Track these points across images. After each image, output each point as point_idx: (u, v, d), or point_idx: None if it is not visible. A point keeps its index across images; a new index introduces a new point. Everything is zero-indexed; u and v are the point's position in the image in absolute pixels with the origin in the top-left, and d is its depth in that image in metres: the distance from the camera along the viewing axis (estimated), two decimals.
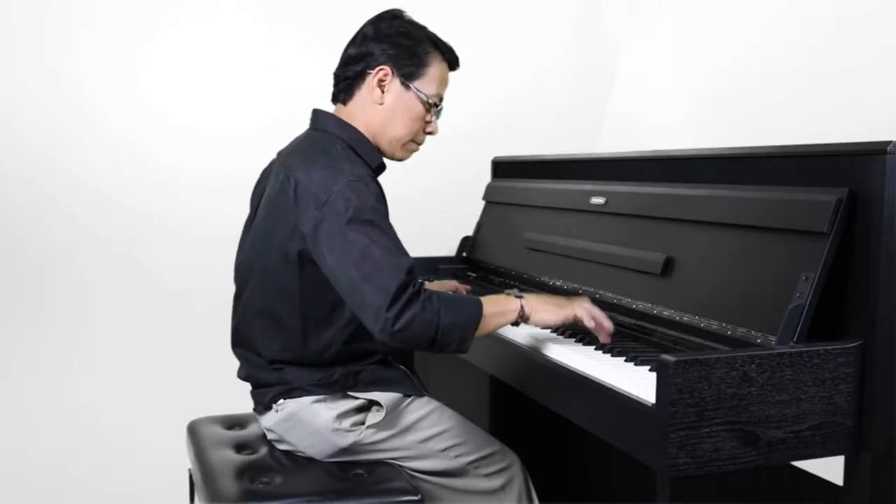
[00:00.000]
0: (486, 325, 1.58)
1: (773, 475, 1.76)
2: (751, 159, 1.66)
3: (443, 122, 1.83)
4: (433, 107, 1.78)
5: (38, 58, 2.61)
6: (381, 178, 1.81)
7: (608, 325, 1.64)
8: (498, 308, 1.61)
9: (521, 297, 1.65)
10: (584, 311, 1.64)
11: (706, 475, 1.27)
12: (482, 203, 2.68)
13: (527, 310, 1.63)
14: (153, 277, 2.75)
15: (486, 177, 2.75)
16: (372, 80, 1.73)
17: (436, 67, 1.77)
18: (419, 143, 1.83)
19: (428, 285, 2.18)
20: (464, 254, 2.66)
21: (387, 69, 1.73)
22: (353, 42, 1.78)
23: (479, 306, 1.57)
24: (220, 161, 2.77)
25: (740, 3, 2.77)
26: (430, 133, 1.82)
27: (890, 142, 1.32)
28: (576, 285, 2.00)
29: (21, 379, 2.65)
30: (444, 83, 1.81)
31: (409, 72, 1.74)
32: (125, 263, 2.73)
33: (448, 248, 2.74)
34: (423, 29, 1.78)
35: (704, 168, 1.78)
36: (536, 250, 2.24)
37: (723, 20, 2.84)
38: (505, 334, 1.77)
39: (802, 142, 1.55)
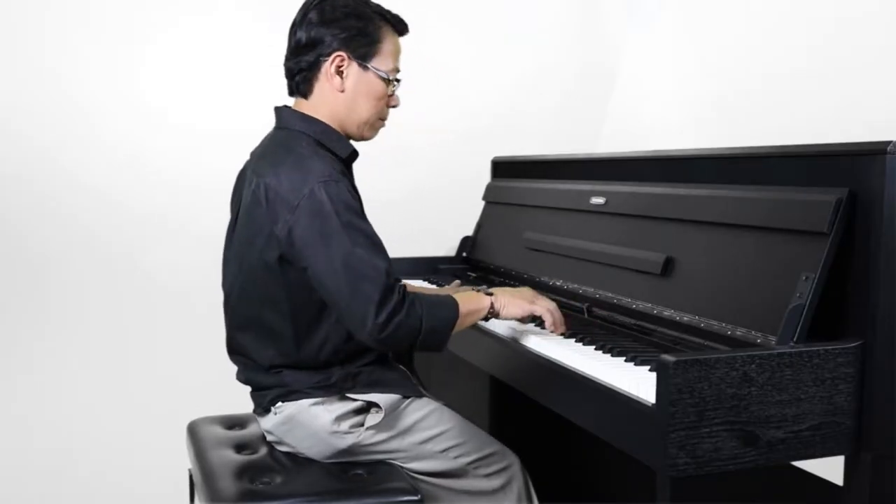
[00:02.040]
0: (462, 323, 1.65)
1: (773, 475, 1.76)
2: (751, 159, 1.65)
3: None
4: (394, 82, 1.76)
5: (38, 58, 2.61)
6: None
7: (562, 328, 1.75)
8: (472, 306, 1.68)
9: (490, 293, 1.72)
10: (546, 310, 1.73)
11: (706, 475, 1.27)
12: (482, 203, 2.68)
13: (496, 306, 1.71)
14: (153, 277, 2.75)
15: (486, 177, 2.75)
16: (329, 68, 1.70)
17: (389, 41, 1.75)
18: (384, 119, 1.81)
19: (447, 289, 2.15)
20: (464, 254, 2.66)
21: (342, 54, 1.70)
22: (299, 26, 1.73)
23: (456, 307, 1.63)
24: (220, 161, 2.74)
25: (740, 3, 2.76)
26: (393, 106, 1.80)
27: (890, 142, 1.32)
28: (576, 285, 2.00)
29: (21, 379, 2.65)
30: (398, 54, 1.78)
31: (363, 52, 1.71)
32: (125, 263, 2.73)
33: (448, 248, 2.74)
34: (368, 4, 1.75)
35: (704, 168, 1.78)
36: (536, 250, 2.24)
37: (723, 20, 2.84)
38: (505, 335, 1.77)
39: (802, 142, 1.55)
